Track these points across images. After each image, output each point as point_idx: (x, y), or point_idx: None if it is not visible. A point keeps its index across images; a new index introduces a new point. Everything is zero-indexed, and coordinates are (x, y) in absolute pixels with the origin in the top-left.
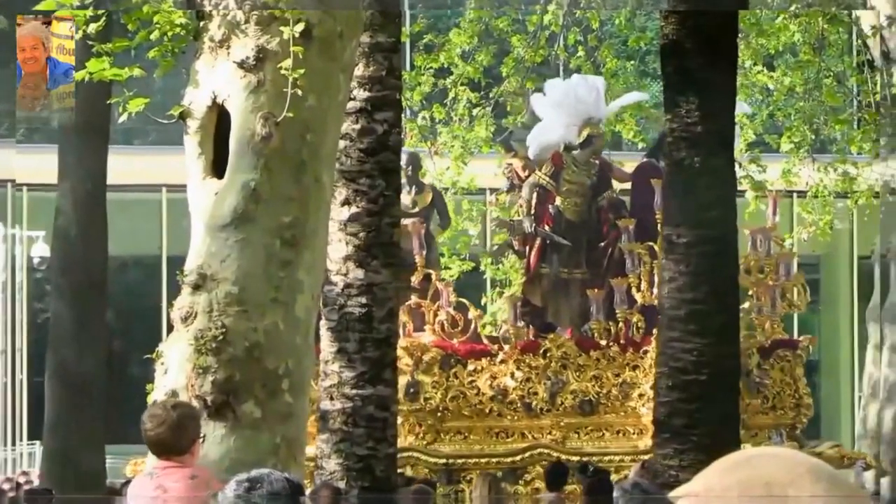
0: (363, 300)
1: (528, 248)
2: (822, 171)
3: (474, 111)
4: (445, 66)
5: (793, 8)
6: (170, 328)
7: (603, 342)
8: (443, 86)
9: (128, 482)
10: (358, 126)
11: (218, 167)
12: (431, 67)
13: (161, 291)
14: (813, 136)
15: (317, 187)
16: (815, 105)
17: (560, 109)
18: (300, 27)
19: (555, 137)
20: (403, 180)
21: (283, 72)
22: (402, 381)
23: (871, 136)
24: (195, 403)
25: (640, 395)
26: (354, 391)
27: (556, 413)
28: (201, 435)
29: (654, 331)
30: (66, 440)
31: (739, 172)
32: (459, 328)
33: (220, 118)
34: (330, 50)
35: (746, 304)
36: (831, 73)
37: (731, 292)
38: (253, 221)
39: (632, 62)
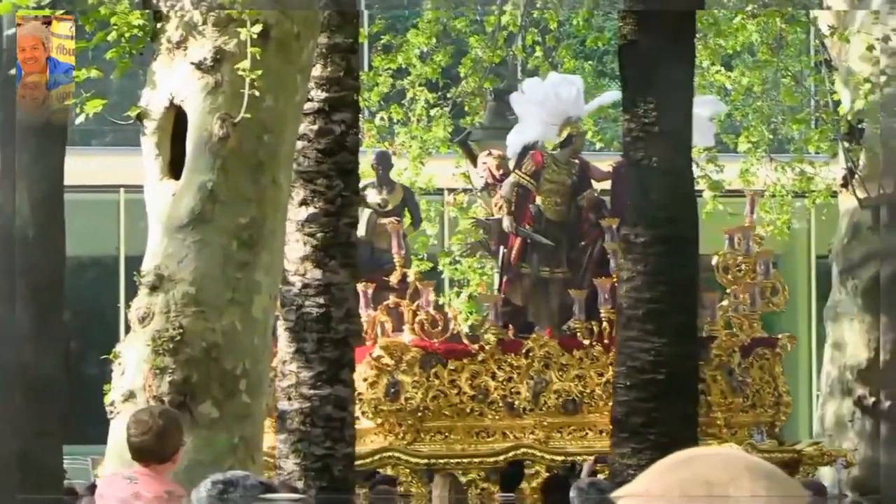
0: (321, 300)
1: (502, 247)
2: (780, 171)
3: (432, 112)
4: (403, 66)
5: (750, 8)
6: (127, 329)
7: (586, 341)
8: (401, 86)
9: (93, 486)
10: (315, 127)
11: (175, 168)
12: (389, 68)
13: (119, 292)
14: (770, 136)
15: (274, 188)
16: (773, 105)
17: (540, 108)
18: (257, 28)
19: (534, 136)
20: (374, 179)
21: (240, 73)
22: (383, 381)
23: (828, 136)
24: (152, 404)
25: None
26: (312, 391)
27: (539, 413)
28: (183, 442)
29: None
30: (24, 441)
31: (697, 172)
32: (439, 328)
33: (177, 119)
34: (287, 51)
35: (725, 303)
36: (789, 73)
37: (689, 292)
38: (210, 222)
39: (590, 62)
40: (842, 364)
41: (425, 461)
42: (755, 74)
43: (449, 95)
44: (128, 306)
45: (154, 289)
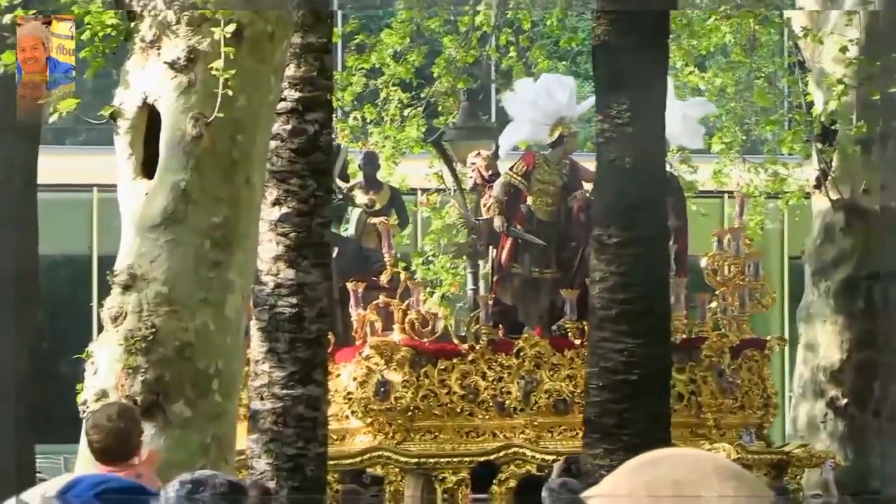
0: (294, 300)
1: (491, 247)
2: (753, 172)
3: (406, 111)
4: (377, 66)
5: (723, 9)
6: (100, 328)
7: (577, 341)
8: (374, 86)
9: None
10: (289, 126)
11: (148, 168)
12: (363, 68)
13: (91, 291)
14: (744, 137)
15: (247, 188)
16: (746, 106)
17: (531, 108)
18: (231, 28)
19: (526, 136)
20: (361, 179)
21: (213, 72)
22: (372, 380)
23: (801, 137)
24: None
25: None
26: (284, 391)
27: (529, 412)
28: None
29: None
30: None
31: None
32: (430, 327)
33: (150, 118)
34: (261, 51)
35: (713, 304)
36: (762, 74)
37: (661, 293)
38: (183, 222)
39: (563, 63)
40: (814, 365)
41: (415, 461)
42: (728, 75)
43: (422, 95)
44: (100, 305)
45: (127, 288)
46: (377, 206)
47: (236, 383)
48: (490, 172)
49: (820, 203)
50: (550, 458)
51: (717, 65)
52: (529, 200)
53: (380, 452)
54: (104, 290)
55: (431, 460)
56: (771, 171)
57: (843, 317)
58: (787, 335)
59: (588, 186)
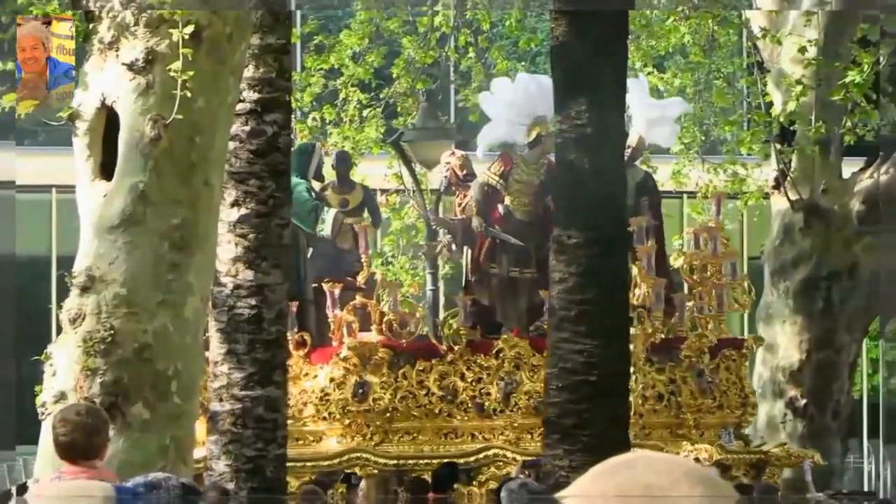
0: (253, 301)
1: (466, 247)
2: (712, 172)
3: (364, 112)
4: (336, 67)
5: (680, 9)
6: (59, 330)
7: None
8: (333, 87)
9: (24, 485)
10: (247, 128)
11: (107, 169)
12: (322, 68)
13: (49, 292)
14: (703, 137)
15: (206, 189)
16: (705, 106)
17: (508, 108)
18: (189, 29)
19: (503, 136)
20: (335, 180)
21: (172, 74)
22: (350, 381)
23: (760, 138)
24: (77, 402)
25: None
26: (244, 392)
27: (509, 414)
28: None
29: None
30: None
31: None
32: (407, 328)
33: (109, 120)
34: (219, 52)
35: (690, 304)
36: (721, 75)
37: (621, 293)
38: (142, 223)
39: (522, 63)
40: (774, 365)
41: (394, 462)
42: (687, 76)
43: (381, 96)
44: (59, 307)
45: (85, 290)
46: (350, 206)
47: (195, 385)
48: (464, 172)
49: (779, 203)
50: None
51: (676, 65)
52: (507, 200)
53: (358, 454)
54: (63, 292)
55: (410, 461)
56: (730, 171)
57: (802, 317)
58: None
59: None
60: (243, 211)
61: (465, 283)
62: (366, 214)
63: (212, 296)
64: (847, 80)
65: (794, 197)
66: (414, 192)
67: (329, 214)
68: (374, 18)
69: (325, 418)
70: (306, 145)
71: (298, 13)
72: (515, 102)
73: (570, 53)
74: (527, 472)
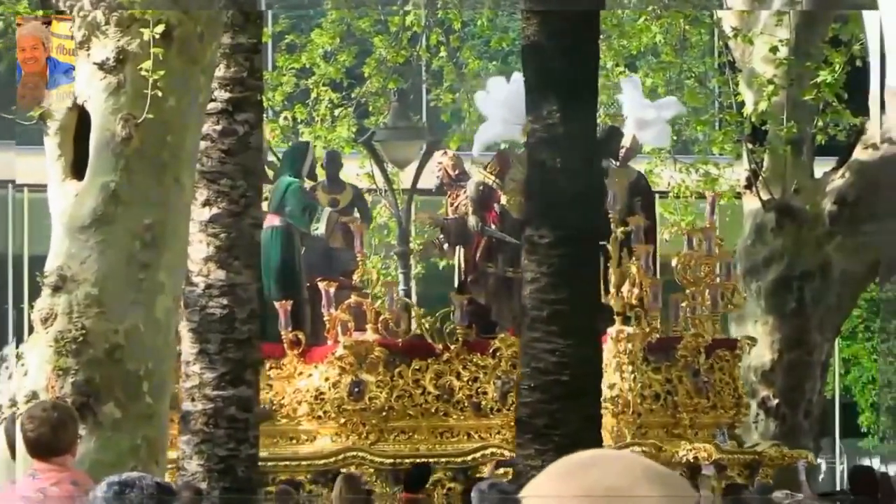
0: (224, 301)
1: (459, 246)
2: (684, 172)
3: (336, 112)
4: (307, 66)
5: (651, 8)
6: (31, 329)
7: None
8: (305, 86)
9: None
10: (219, 127)
11: (78, 168)
12: (293, 68)
13: (7, 293)
14: (675, 137)
15: (177, 189)
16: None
17: (503, 108)
18: (160, 28)
19: (498, 136)
20: (324, 180)
21: (143, 73)
22: (346, 380)
23: (732, 137)
24: (45, 399)
25: None
26: (216, 392)
27: (506, 413)
28: (80, 434)
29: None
30: None
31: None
32: (403, 327)
33: (80, 119)
34: (190, 51)
35: (684, 304)
36: (693, 74)
37: (592, 293)
38: (113, 223)
39: (494, 63)
40: (746, 365)
41: (390, 461)
42: (659, 76)
43: (353, 95)
44: (31, 307)
45: (57, 289)
46: (340, 206)
47: (167, 385)
48: (457, 172)
49: (751, 203)
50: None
51: (648, 65)
52: (503, 199)
53: (354, 453)
54: (34, 292)
55: (407, 460)
56: (702, 171)
57: (773, 317)
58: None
59: None
60: (215, 210)
61: (459, 283)
62: (356, 213)
63: (183, 295)
64: (818, 79)
65: (765, 197)
66: (385, 191)
67: (323, 214)
68: (345, 18)
69: (319, 417)
70: (300, 144)
71: (270, 12)
72: (511, 101)
73: (541, 53)
74: (501, 472)
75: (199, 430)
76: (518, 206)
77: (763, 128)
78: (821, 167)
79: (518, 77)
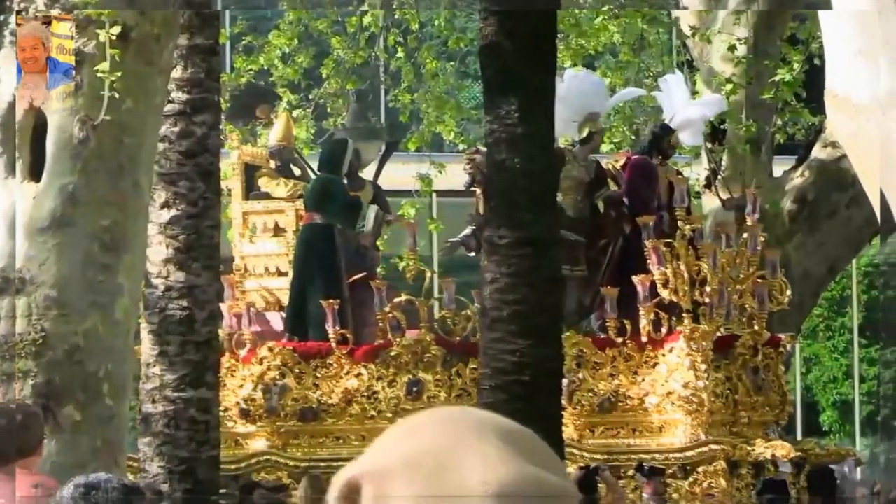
0: (184, 303)
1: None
2: None
3: (295, 113)
4: (265, 67)
5: (607, 7)
6: None
7: (619, 339)
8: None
9: None
10: (177, 129)
11: (36, 170)
12: (251, 69)
13: None
14: (633, 137)
15: (135, 190)
16: (635, 105)
17: (561, 105)
18: (116, 30)
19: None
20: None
21: (99, 75)
22: (402, 379)
23: None
24: (7, 401)
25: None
26: (176, 394)
27: (572, 411)
28: (45, 434)
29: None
30: None
31: None
32: (459, 325)
33: (37, 121)
34: (147, 52)
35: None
36: (651, 74)
37: (552, 293)
38: (71, 225)
39: (452, 63)
40: None
41: None
42: (617, 75)
43: (311, 97)
44: None
45: (1, 291)
46: None
47: (126, 386)
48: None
49: (710, 202)
50: (599, 455)
51: (606, 64)
52: (559, 197)
53: None
54: None
55: None
56: None
57: None
58: None
59: (612, 185)
60: (174, 212)
61: None
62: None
63: (143, 297)
64: (777, 78)
65: (725, 196)
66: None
67: (370, 212)
68: (302, 19)
69: (372, 416)
70: (339, 141)
71: (227, 14)
72: (567, 98)
73: (499, 53)
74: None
75: (160, 431)
76: (574, 204)
77: (722, 127)
78: (780, 166)
79: (575, 74)
